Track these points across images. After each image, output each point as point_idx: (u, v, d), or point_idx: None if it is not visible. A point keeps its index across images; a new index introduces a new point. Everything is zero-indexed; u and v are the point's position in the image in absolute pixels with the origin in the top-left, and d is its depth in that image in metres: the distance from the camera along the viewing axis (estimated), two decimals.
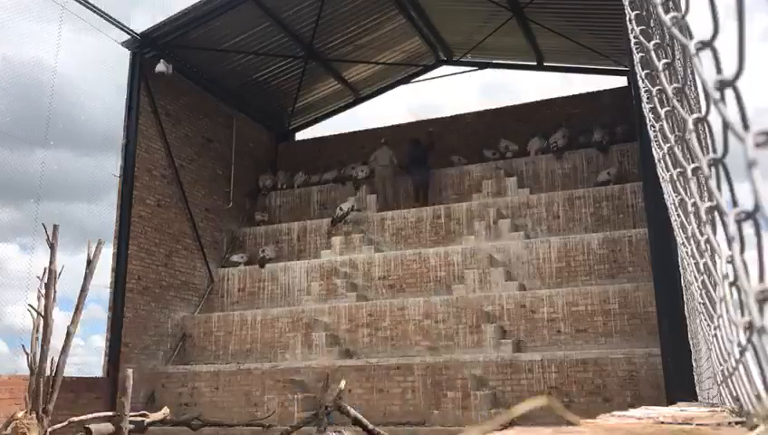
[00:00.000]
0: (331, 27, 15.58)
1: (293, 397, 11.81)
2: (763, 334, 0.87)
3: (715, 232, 1.35)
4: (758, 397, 1.29)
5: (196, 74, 15.42)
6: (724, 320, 1.28)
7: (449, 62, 18.75)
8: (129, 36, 13.83)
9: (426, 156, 15.79)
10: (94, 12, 12.69)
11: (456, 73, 18.86)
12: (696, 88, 2.20)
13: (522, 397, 10.86)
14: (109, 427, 8.04)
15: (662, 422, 1.89)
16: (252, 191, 17.46)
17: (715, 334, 1.80)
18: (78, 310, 8.01)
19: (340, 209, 15.49)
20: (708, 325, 2.24)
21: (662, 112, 1.64)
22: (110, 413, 8.92)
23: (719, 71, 1.00)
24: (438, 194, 16.03)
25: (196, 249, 15.12)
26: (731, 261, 1.01)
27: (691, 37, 1.11)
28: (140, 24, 13.94)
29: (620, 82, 16.70)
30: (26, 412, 7.36)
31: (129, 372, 8.24)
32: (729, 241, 0.97)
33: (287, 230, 16.22)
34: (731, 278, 1.08)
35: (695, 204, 1.55)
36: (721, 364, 1.85)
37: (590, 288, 11.99)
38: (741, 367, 1.35)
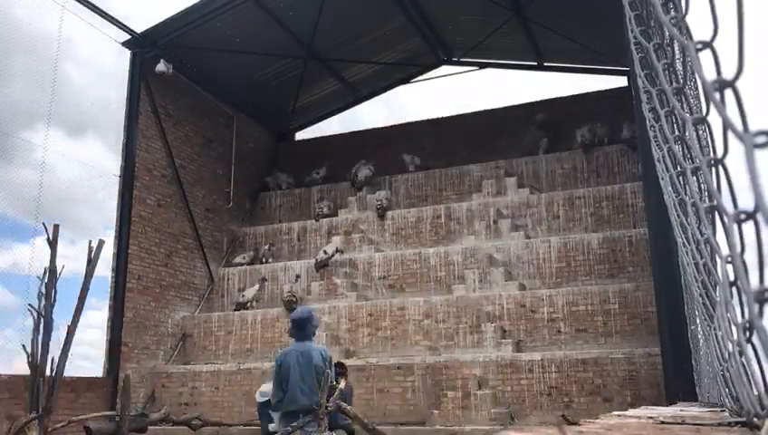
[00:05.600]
0: (331, 27, 15.56)
1: None
2: (762, 335, 0.87)
3: (714, 232, 1.35)
4: (758, 397, 1.29)
5: (196, 74, 15.41)
6: (724, 320, 1.28)
7: (449, 62, 18.74)
8: (129, 36, 13.82)
9: None
10: (95, 12, 12.68)
11: (456, 73, 18.86)
12: (696, 88, 2.19)
13: (522, 397, 10.87)
14: (109, 426, 8.05)
15: (662, 422, 1.89)
16: (252, 191, 17.46)
17: (715, 335, 1.80)
18: (78, 310, 8.01)
19: (325, 253, 14.31)
20: (708, 326, 2.24)
21: (662, 112, 1.64)
22: (111, 413, 8.93)
23: (719, 71, 1.00)
24: (439, 194, 16.03)
25: (197, 249, 15.13)
26: (731, 261, 1.01)
27: (691, 37, 1.11)
28: (140, 23, 13.94)
29: (621, 82, 16.69)
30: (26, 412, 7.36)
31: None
32: (729, 241, 0.97)
33: (287, 230, 16.22)
34: (731, 278, 1.08)
35: (695, 204, 1.55)
36: (721, 365, 1.85)
37: (590, 288, 11.98)
38: (741, 367, 1.35)
